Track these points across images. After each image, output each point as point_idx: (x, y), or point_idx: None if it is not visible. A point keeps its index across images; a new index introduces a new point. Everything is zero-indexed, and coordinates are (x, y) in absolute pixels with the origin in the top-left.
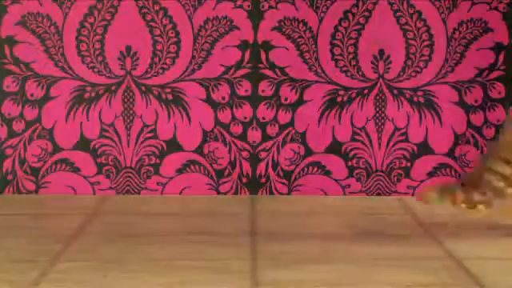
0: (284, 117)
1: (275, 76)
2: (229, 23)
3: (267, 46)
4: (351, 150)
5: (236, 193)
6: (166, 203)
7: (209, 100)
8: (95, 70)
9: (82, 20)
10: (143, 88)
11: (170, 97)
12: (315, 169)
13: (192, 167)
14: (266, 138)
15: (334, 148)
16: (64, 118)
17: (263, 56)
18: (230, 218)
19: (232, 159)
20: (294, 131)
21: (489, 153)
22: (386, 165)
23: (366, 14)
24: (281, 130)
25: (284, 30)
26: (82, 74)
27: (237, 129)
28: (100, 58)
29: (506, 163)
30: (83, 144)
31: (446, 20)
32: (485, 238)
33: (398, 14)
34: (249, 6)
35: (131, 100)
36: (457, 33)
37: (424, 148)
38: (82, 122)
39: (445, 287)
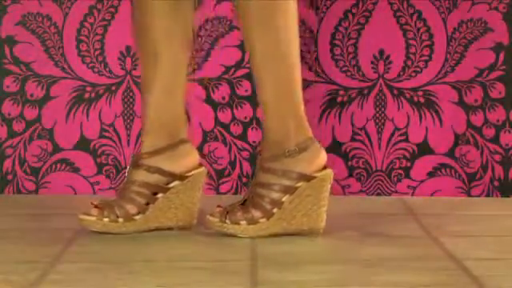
0: None
1: None
2: (229, 23)
3: None
4: (351, 150)
5: (236, 193)
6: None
7: (209, 100)
8: (95, 70)
9: (82, 20)
10: None
11: None
12: None
13: None
14: None
15: (334, 148)
16: (64, 118)
17: None
18: None
19: (232, 159)
20: None
21: None
22: (386, 165)
23: (366, 14)
24: None
25: None
26: (81, 74)
27: (237, 129)
28: (100, 58)
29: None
30: (83, 144)
31: (446, 20)
32: (485, 238)
33: (398, 13)
34: None
35: (131, 100)
36: (457, 33)
37: (424, 148)
38: (81, 122)
39: (445, 287)
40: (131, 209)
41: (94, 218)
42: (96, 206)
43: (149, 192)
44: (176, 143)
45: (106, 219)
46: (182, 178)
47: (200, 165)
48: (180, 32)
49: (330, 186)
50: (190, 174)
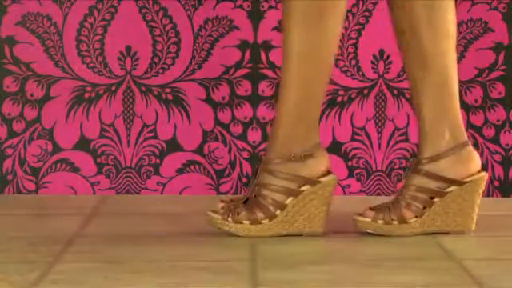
0: None
1: (275, 76)
2: (229, 23)
3: (267, 46)
4: (351, 150)
5: (236, 193)
6: (166, 203)
7: (209, 100)
8: (95, 70)
9: (81, 20)
10: (143, 88)
11: (169, 97)
12: None
13: (192, 167)
14: (266, 137)
15: (334, 148)
16: (64, 118)
17: (263, 56)
18: None
19: (232, 159)
20: None
21: None
22: (386, 165)
23: (366, 13)
24: None
25: None
26: (81, 74)
27: (237, 129)
28: (100, 58)
29: None
30: (83, 144)
31: None
32: (485, 238)
33: None
34: (249, 6)
35: (131, 100)
36: (457, 33)
37: None
38: (81, 122)
39: (444, 287)
40: (407, 213)
41: (368, 220)
42: (371, 208)
43: (426, 196)
44: (458, 146)
45: (380, 221)
46: (460, 183)
47: (480, 171)
48: None
49: (333, 189)
50: (469, 179)
